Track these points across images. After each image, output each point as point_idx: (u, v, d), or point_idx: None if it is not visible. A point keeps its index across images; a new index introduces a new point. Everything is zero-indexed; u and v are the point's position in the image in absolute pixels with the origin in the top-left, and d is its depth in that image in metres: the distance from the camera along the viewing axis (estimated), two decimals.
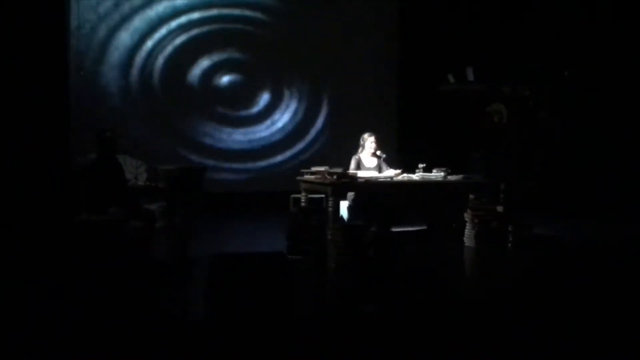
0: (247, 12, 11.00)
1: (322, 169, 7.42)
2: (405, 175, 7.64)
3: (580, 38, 10.95)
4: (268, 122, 11.11)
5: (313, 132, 11.26)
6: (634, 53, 10.93)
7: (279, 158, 11.09)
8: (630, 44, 10.94)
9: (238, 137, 10.95)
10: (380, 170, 7.93)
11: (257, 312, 4.43)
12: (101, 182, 6.31)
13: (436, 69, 10.59)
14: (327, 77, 11.26)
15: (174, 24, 10.60)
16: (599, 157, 10.98)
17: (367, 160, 8.03)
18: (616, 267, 6.80)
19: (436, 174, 7.64)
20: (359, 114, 10.83)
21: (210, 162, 10.23)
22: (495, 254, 7.48)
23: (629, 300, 5.42)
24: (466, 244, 7.78)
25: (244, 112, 10.98)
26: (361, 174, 7.59)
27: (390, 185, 7.50)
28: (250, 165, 10.97)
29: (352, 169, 7.83)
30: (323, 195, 7.54)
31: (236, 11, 10.95)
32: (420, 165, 7.69)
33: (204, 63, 10.75)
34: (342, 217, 7.49)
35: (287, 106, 11.20)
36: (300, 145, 11.19)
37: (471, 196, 7.85)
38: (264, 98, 11.06)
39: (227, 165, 10.81)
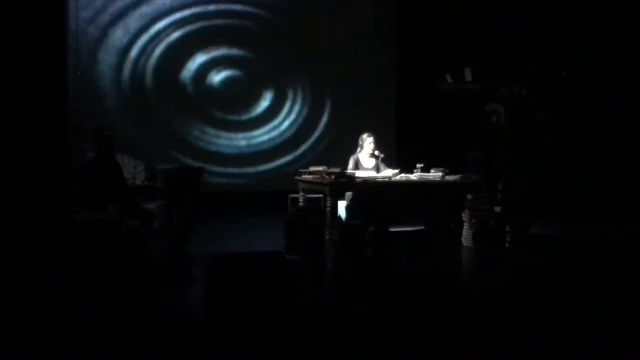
0: (246, 11, 11.00)
1: (320, 168, 7.42)
2: (403, 175, 7.64)
3: (578, 38, 10.96)
4: (267, 121, 11.12)
5: (311, 132, 11.26)
6: (632, 52, 10.95)
7: (277, 158, 11.10)
8: (628, 44, 10.95)
9: (235, 138, 10.95)
10: (378, 170, 7.92)
11: (254, 311, 4.44)
12: (99, 180, 6.31)
13: (434, 68, 10.59)
14: (325, 77, 11.26)
15: (172, 21, 10.60)
16: (596, 156, 11.00)
17: (366, 161, 8.03)
18: (614, 266, 6.80)
19: (434, 174, 7.64)
20: (357, 114, 10.84)
21: (207, 165, 10.16)
22: (492, 253, 7.49)
23: (627, 300, 5.44)
24: (464, 244, 7.80)
25: (241, 113, 10.97)
26: (359, 173, 7.59)
27: (388, 185, 7.50)
28: (247, 169, 10.98)
29: (350, 169, 7.83)
30: (321, 195, 7.55)
31: (235, 8, 10.95)
32: (418, 165, 7.69)
33: (202, 63, 10.74)
34: (340, 217, 7.49)
35: (285, 106, 11.20)
36: (298, 145, 11.20)
37: (469, 196, 7.86)
38: (262, 98, 11.05)
39: (224, 170, 10.82)
